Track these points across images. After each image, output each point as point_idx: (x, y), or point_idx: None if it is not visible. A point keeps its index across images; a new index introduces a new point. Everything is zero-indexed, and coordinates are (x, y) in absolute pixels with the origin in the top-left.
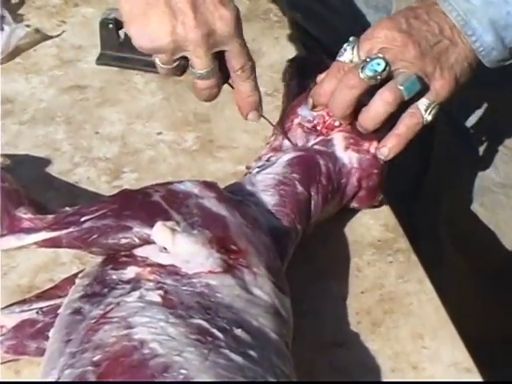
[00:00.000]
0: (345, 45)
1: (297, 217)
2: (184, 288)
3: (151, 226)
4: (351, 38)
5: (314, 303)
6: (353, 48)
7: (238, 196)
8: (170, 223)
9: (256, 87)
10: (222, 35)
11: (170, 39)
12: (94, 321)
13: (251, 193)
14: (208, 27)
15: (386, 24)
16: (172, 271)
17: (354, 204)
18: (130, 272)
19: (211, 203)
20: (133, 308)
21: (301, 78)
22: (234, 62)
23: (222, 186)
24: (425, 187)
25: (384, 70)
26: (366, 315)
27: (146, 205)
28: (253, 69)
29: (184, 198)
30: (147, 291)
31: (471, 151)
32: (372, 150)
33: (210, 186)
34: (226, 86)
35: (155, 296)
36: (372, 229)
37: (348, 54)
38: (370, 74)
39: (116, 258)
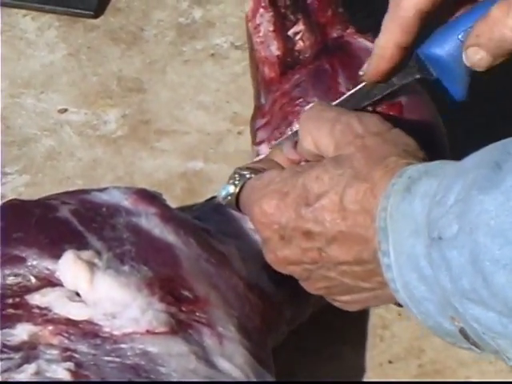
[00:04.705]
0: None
1: (304, 292)
2: (107, 358)
3: (56, 257)
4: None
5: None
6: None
7: (208, 227)
8: (86, 253)
9: None
10: None
11: None
12: None
13: (234, 229)
14: None
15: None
16: (89, 331)
17: None
18: (21, 332)
19: (151, 224)
20: None
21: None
22: None
23: (167, 195)
24: None
25: None
26: None
27: (47, 224)
28: None
29: (108, 214)
30: (49, 363)
31: None
32: None
33: (148, 197)
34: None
35: (61, 371)
36: None
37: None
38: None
39: None
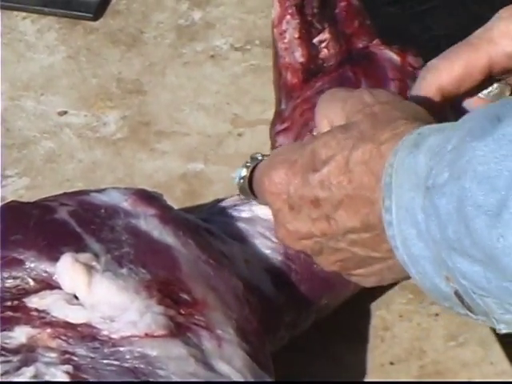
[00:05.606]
0: None
1: (306, 299)
2: (106, 361)
3: (54, 259)
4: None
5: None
6: None
7: (212, 228)
8: (84, 256)
9: None
10: None
11: None
12: None
13: (240, 232)
14: None
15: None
16: (87, 334)
17: None
18: (20, 335)
19: (150, 225)
20: None
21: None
22: None
23: (167, 196)
24: None
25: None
26: None
27: (45, 226)
28: None
29: (107, 216)
30: (47, 366)
31: None
32: None
33: (147, 198)
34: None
35: (60, 374)
36: None
37: None
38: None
39: None
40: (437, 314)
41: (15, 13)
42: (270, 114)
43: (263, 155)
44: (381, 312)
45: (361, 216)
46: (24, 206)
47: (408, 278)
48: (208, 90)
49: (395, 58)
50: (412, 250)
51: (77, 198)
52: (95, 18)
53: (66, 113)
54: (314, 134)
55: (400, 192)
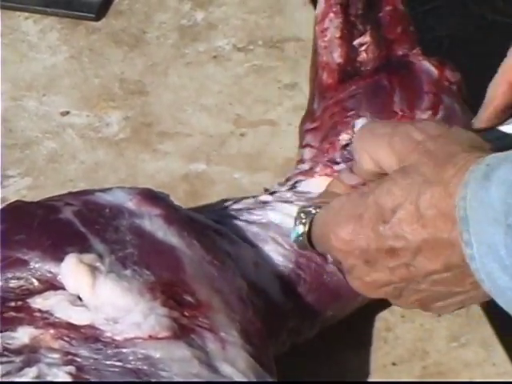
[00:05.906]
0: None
1: (313, 309)
2: (109, 363)
3: (59, 260)
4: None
5: None
6: None
7: (221, 228)
8: (88, 257)
9: None
10: None
11: None
12: None
13: (253, 235)
14: None
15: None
16: (90, 336)
17: None
18: (23, 335)
19: (155, 225)
20: None
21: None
22: None
23: (173, 197)
24: None
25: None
26: None
27: (49, 226)
28: None
29: (111, 216)
30: (50, 367)
31: None
32: None
33: (152, 197)
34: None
35: (62, 375)
36: None
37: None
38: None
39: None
40: (439, 315)
41: (17, 13)
42: (272, 114)
43: (315, 207)
44: (383, 313)
45: (442, 258)
46: (28, 206)
47: (486, 299)
48: (210, 90)
49: (433, 70)
50: (498, 283)
51: (81, 197)
52: (97, 18)
53: (68, 113)
54: (354, 167)
55: (479, 228)
